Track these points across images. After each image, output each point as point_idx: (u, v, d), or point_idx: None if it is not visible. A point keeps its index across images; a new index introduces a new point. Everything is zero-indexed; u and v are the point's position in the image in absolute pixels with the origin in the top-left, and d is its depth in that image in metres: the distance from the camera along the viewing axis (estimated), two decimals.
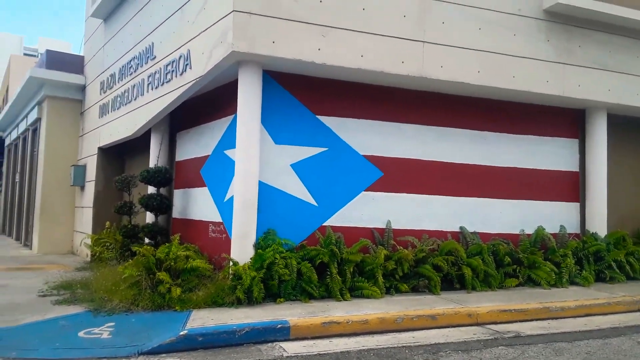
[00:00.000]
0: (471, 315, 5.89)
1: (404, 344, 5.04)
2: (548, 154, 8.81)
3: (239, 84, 6.78)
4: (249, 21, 6.38)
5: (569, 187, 8.96)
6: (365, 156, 7.61)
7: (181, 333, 4.85)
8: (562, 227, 8.65)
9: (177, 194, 9.37)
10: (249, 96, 6.75)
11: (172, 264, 6.34)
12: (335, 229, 7.23)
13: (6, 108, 17.73)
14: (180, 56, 7.76)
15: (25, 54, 36.90)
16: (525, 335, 5.46)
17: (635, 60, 8.72)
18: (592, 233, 8.61)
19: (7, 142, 20.90)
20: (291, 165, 7.26)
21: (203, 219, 8.21)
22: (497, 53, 7.69)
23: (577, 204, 8.98)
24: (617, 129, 9.24)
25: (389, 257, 7.08)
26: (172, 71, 8.06)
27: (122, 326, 5.36)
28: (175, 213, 9.32)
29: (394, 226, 7.59)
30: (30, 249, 13.62)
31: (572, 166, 9.01)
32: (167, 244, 6.83)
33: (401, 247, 7.25)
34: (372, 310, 5.84)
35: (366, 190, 7.58)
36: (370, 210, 7.56)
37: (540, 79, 7.98)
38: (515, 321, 6.00)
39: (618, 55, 8.58)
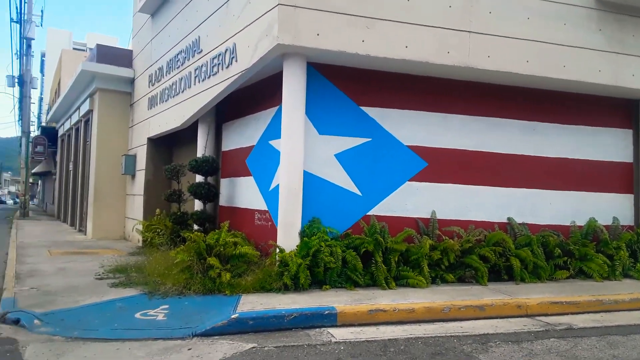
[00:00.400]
0: (520, 307, 5.81)
1: (452, 334, 5.03)
2: (600, 144, 8.51)
3: (283, 76, 6.88)
4: (294, 14, 6.44)
5: (623, 178, 8.63)
6: (409, 146, 7.57)
7: (232, 316, 5.02)
8: (615, 218, 8.36)
9: (224, 182, 9.61)
10: (294, 88, 6.83)
11: (222, 249, 6.54)
12: (379, 218, 7.26)
13: (59, 100, 18.59)
14: (226, 49, 7.92)
15: (74, 49, 38.32)
16: (578, 327, 5.34)
17: None
18: None
19: (60, 132, 21.93)
20: (335, 156, 7.31)
21: (249, 207, 8.40)
22: (546, 42, 7.46)
23: (631, 196, 8.64)
24: None
25: (435, 247, 7.05)
26: (219, 64, 8.24)
27: (176, 309, 5.59)
28: (222, 201, 9.57)
29: (439, 216, 7.53)
30: (85, 234, 14.30)
31: (626, 157, 8.68)
32: (216, 231, 7.05)
33: (446, 237, 7.20)
34: (418, 299, 5.84)
35: (410, 180, 7.55)
36: (415, 200, 7.53)
37: (592, 68, 7.70)
38: (567, 313, 5.87)
39: None
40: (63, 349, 4.39)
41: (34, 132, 30.96)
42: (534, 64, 7.40)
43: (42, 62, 46.27)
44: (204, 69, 8.90)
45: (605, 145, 8.54)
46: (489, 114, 7.93)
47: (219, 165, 9.44)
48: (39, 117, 42.53)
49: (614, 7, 7.80)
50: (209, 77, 8.68)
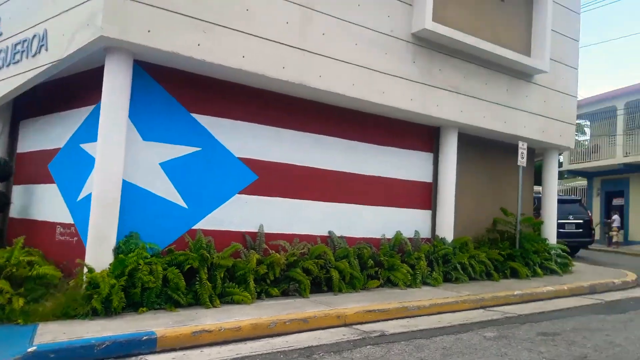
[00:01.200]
0: (340, 317, 6.08)
1: (278, 349, 5.00)
2: (408, 165, 9.56)
3: (105, 72, 6.16)
4: (123, 5, 5.86)
5: (424, 196, 9.84)
6: (240, 158, 7.46)
7: (29, 350, 4.20)
8: (416, 232, 9.47)
9: (17, 190, 8.16)
10: (116, 86, 6.16)
11: (14, 270, 5.46)
12: (206, 232, 6.95)
13: None
14: (34, 35, 6.82)
15: None
16: (389, 333, 5.80)
17: (484, 87, 9.87)
18: (441, 238, 9.55)
19: None
20: (160, 164, 6.79)
21: (49, 220, 7.26)
22: (370, 69, 8.10)
23: (430, 212, 9.90)
24: (465, 147, 10.25)
25: (261, 261, 7.00)
26: (23, 51, 7.04)
27: None
28: (14, 212, 8.10)
29: (267, 230, 7.54)
30: None
31: (427, 177, 9.91)
32: (7, 248, 5.88)
33: (273, 251, 7.22)
34: (244, 316, 5.70)
35: (240, 193, 7.43)
36: (243, 214, 7.42)
37: (406, 96, 8.62)
38: (379, 320, 6.34)
39: (470, 81, 9.63)
40: None
41: None
42: (359, 87, 7.96)
43: None
44: (2, 55, 7.50)
45: (412, 166, 9.62)
46: (318, 132, 8.28)
47: (13, 170, 7.98)
48: None
49: (426, 42, 8.85)
50: (8, 66, 7.34)
